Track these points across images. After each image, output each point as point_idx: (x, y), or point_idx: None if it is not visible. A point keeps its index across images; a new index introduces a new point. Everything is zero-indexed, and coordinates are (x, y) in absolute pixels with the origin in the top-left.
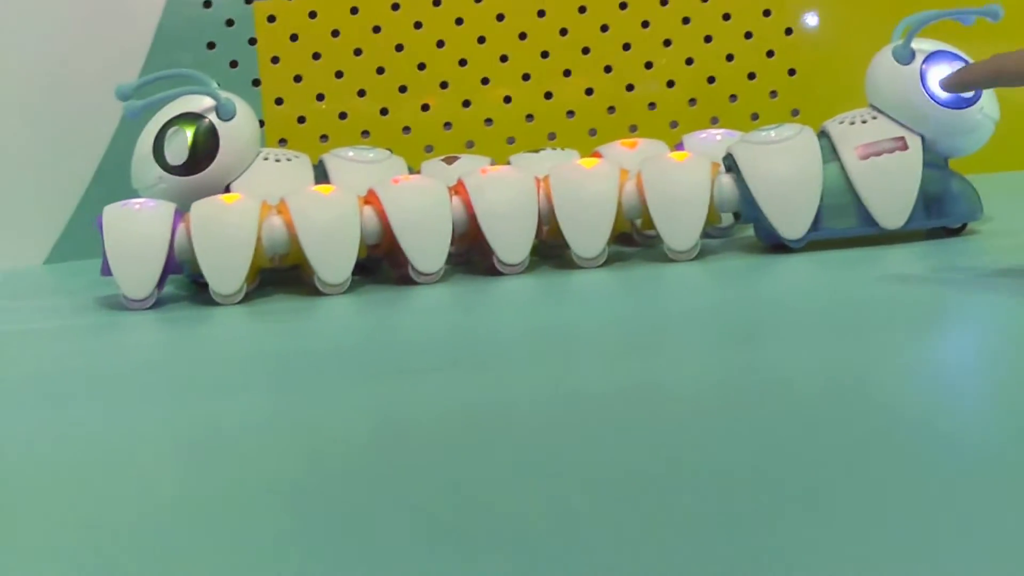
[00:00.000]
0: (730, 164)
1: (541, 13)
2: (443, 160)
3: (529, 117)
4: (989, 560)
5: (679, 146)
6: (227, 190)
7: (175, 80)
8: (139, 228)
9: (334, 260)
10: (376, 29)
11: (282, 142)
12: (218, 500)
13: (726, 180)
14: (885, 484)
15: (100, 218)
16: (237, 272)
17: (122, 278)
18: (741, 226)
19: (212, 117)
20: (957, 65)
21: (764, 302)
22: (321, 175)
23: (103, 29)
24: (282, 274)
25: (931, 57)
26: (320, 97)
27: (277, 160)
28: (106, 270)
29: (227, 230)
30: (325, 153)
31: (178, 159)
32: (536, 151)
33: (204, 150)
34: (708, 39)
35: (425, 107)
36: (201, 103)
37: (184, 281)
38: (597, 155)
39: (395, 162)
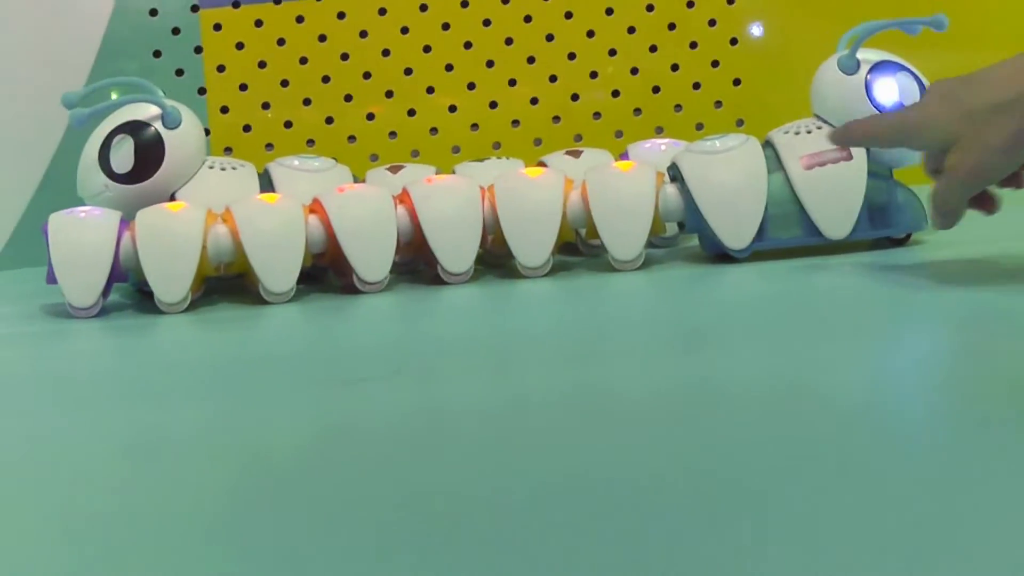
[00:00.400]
0: (675, 174)
1: (487, 23)
2: (388, 169)
3: (474, 126)
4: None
5: (624, 156)
6: (172, 198)
7: (121, 88)
8: (84, 236)
9: (279, 269)
10: (322, 38)
11: (227, 151)
12: (158, 507)
13: (671, 190)
14: (831, 483)
15: (46, 226)
16: (182, 280)
17: (67, 286)
18: (686, 236)
19: (158, 125)
20: (902, 76)
21: (708, 311)
22: (266, 184)
23: (49, 37)
24: (227, 283)
25: (876, 67)
26: (266, 106)
27: (222, 169)
28: (51, 278)
29: (172, 238)
30: (270, 162)
31: (124, 167)
32: (481, 160)
33: (150, 158)
34: (653, 49)
35: (370, 116)
36: (147, 111)
37: (129, 289)
38: (542, 165)
39: (340, 171)
